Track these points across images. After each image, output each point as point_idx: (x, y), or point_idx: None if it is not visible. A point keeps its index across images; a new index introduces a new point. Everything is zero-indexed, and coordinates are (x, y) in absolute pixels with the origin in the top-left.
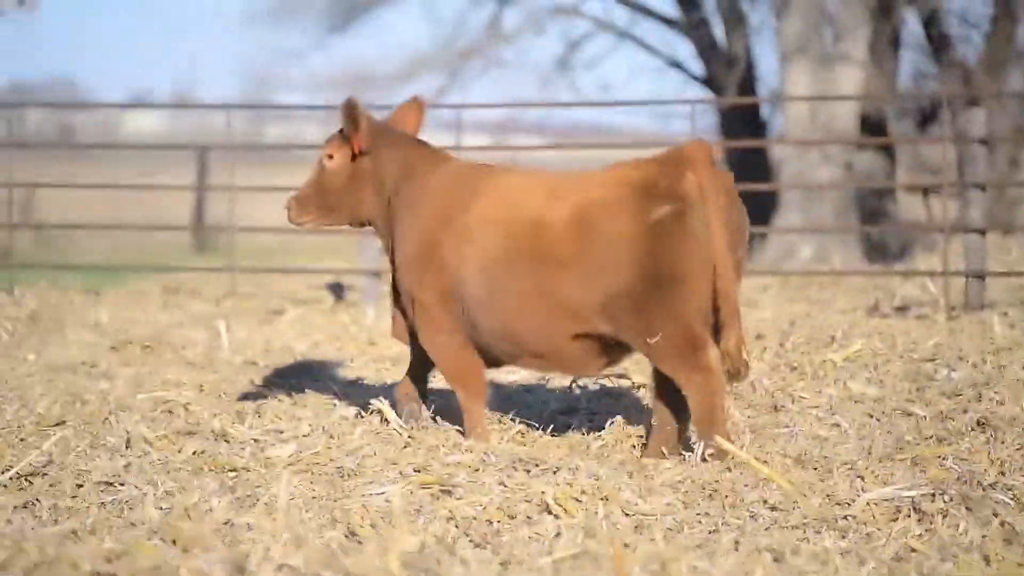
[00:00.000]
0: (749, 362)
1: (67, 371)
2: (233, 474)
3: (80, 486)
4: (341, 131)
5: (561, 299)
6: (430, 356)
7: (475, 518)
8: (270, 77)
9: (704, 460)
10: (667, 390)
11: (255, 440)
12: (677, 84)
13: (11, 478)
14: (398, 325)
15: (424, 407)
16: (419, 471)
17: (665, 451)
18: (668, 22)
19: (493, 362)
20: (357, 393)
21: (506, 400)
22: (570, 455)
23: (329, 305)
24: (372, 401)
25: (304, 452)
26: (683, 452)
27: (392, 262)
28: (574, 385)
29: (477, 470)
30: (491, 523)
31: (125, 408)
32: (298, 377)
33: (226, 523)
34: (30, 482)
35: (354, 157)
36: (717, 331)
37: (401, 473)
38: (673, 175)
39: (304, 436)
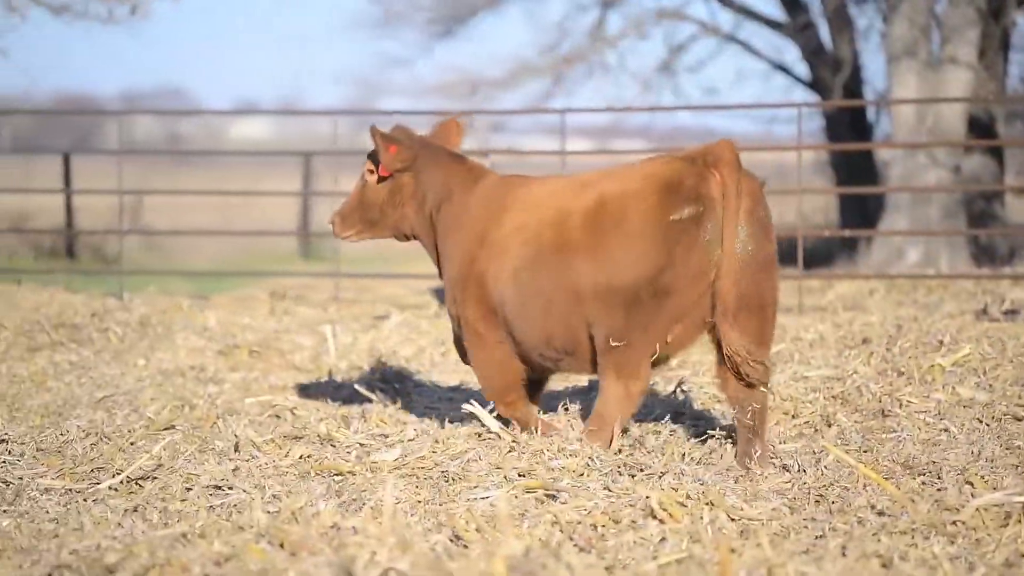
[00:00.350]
0: (752, 363)
1: (176, 376)
2: (339, 478)
3: (189, 489)
4: None
5: (570, 285)
6: (474, 371)
7: (580, 523)
8: (375, 83)
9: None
10: (732, 387)
11: (361, 444)
12: (782, 87)
13: (121, 482)
14: (459, 348)
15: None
16: (524, 475)
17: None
18: (773, 25)
19: (542, 372)
20: (462, 398)
21: None
22: (675, 460)
23: (433, 310)
24: (464, 405)
25: (409, 456)
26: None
27: (443, 279)
28: (679, 390)
29: (582, 475)
30: (596, 528)
31: (233, 412)
32: (403, 382)
33: (333, 527)
34: (140, 486)
35: (380, 179)
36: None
37: (506, 477)
38: (699, 175)
39: (409, 440)
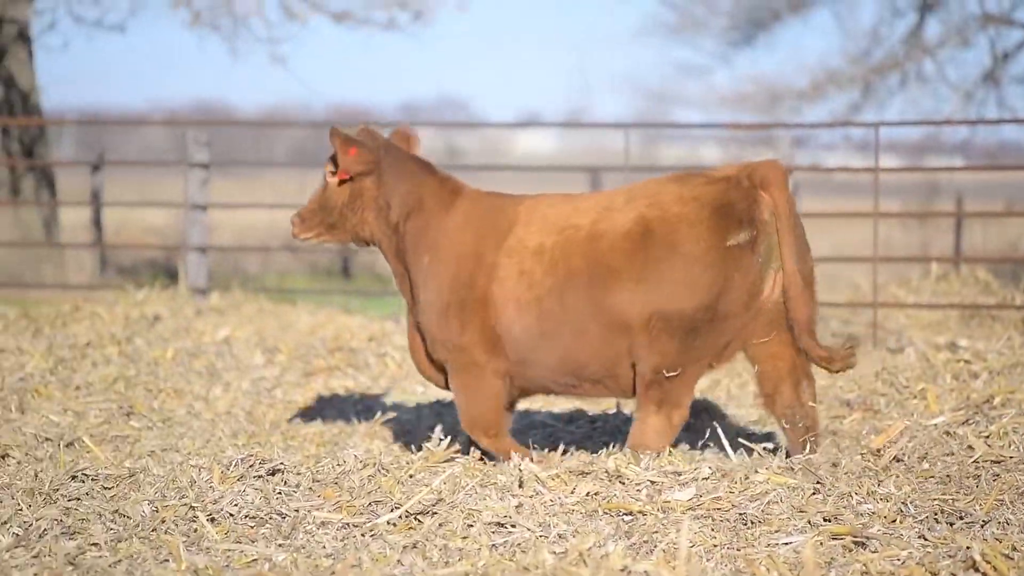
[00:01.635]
0: (843, 357)
1: (452, 405)
2: (629, 518)
3: (470, 526)
4: None
5: (615, 313)
6: (457, 399)
7: (892, 574)
8: (668, 94)
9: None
10: (782, 405)
11: (652, 482)
12: None
13: (400, 516)
14: (423, 364)
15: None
16: (829, 520)
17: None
18: None
19: (531, 392)
20: (759, 436)
21: (931, 440)
22: (999, 506)
23: None
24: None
25: (704, 496)
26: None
27: (410, 297)
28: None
29: (894, 521)
30: None
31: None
32: (697, 416)
33: (623, 570)
34: (419, 521)
35: (341, 182)
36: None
37: (810, 522)
38: (750, 197)
39: (704, 479)
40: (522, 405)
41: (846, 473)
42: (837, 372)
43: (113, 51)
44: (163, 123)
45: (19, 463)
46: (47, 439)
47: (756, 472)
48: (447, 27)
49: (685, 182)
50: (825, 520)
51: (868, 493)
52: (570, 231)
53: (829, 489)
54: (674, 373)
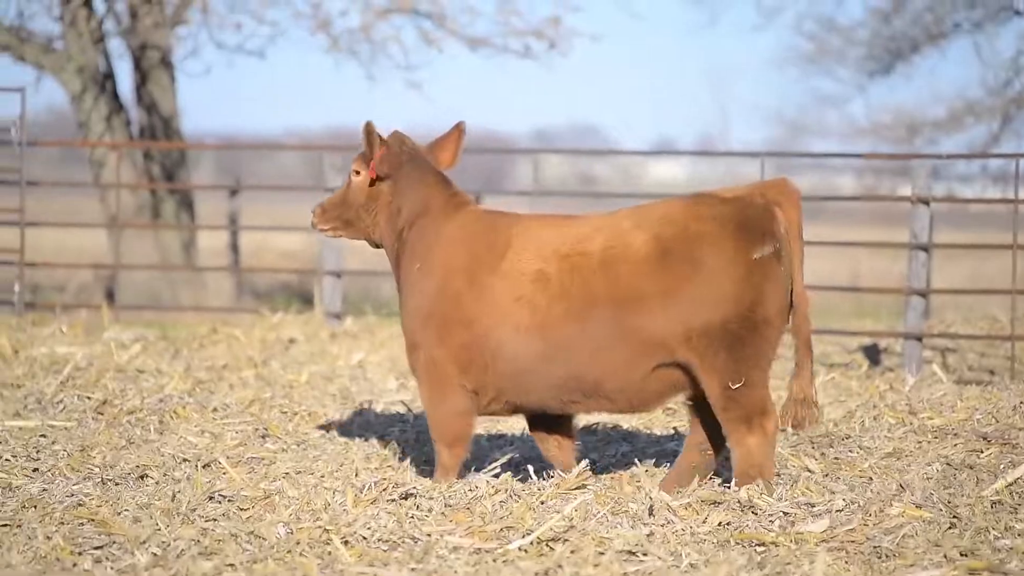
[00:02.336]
0: (817, 408)
1: (587, 432)
2: (762, 548)
3: (602, 554)
4: None
5: (646, 333)
6: (426, 409)
7: None
8: (803, 123)
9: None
10: (707, 427)
11: (784, 513)
12: None
13: (532, 543)
14: None
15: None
16: (966, 555)
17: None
18: None
19: (525, 408)
20: (899, 466)
21: None
22: None
23: (864, 369)
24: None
25: (838, 528)
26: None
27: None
28: None
29: None
30: None
31: (649, 473)
32: (831, 446)
33: None
34: (551, 548)
35: (372, 182)
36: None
37: (946, 556)
38: (769, 213)
39: (838, 511)
40: (655, 432)
41: (983, 508)
42: (796, 421)
43: (252, 76)
44: (299, 147)
45: (157, 483)
46: (185, 460)
47: (891, 505)
48: (581, 54)
49: (698, 202)
50: (962, 555)
51: (1005, 528)
52: (576, 258)
53: (965, 523)
54: (739, 383)
